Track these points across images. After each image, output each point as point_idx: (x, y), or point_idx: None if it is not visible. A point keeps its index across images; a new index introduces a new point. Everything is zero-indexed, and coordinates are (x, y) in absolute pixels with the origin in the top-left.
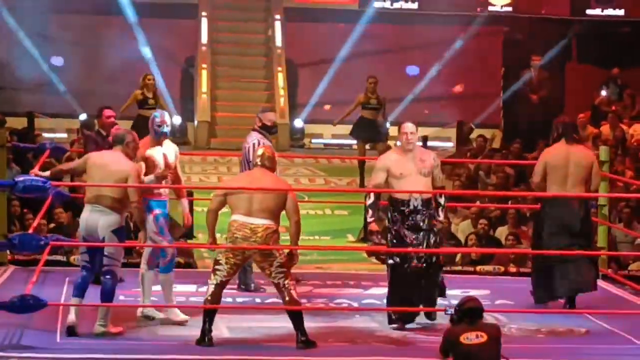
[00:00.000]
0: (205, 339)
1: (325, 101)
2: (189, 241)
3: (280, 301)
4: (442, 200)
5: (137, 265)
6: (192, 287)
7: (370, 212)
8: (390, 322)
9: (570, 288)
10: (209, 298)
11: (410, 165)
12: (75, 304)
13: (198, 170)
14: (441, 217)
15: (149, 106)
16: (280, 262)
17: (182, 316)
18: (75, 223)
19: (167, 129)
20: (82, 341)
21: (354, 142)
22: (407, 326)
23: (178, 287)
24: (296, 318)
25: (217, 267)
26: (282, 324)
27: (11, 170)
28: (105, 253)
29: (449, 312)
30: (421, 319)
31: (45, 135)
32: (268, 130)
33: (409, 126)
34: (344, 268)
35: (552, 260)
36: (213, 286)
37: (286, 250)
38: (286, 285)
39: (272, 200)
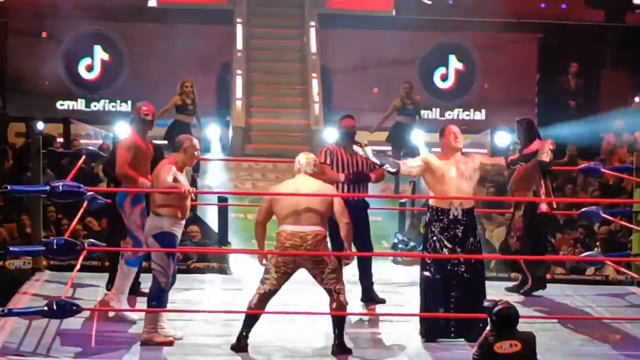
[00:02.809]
0: (240, 344)
1: (359, 108)
2: (223, 247)
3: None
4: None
5: (188, 271)
6: (227, 293)
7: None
8: (422, 335)
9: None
10: (253, 306)
11: (453, 169)
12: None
13: (232, 176)
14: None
15: (188, 112)
16: (332, 267)
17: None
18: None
19: (151, 119)
20: (116, 347)
21: (388, 148)
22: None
23: (213, 293)
24: (340, 322)
25: (266, 275)
26: (318, 329)
27: (46, 176)
28: (152, 258)
29: (486, 304)
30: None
31: (82, 141)
32: (345, 136)
33: (455, 128)
34: (379, 274)
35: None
36: (258, 295)
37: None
38: (337, 290)
39: (318, 205)
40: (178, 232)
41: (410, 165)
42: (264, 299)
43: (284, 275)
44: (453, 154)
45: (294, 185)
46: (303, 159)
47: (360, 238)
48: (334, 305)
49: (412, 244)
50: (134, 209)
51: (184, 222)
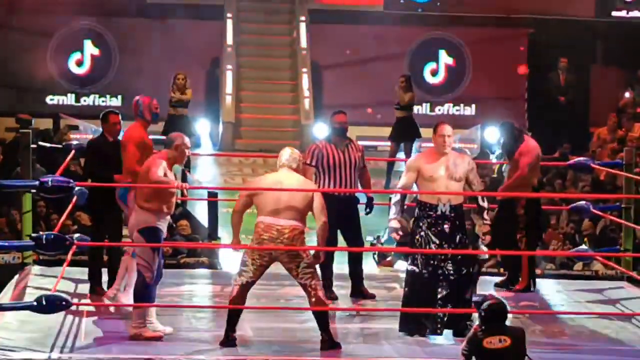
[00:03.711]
0: (228, 339)
1: (349, 103)
2: (213, 242)
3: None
4: (485, 204)
5: (178, 266)
6: (216, 288)
7: (393, 209)
8: (402, 330)
9: None
10: (233, 299)
11: (442, 169)
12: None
13: (223, 171)
14: (487, 220)
15: (173, 104)
16: (307, 262)
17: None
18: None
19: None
20: (105, 342)
21: (378, 143)
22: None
23: (203, 288)
24: (322, 318)
25: (242, 268)
26: (307, 324)
27: (35, 171)
28: (137, 253)
29: (475, 299)
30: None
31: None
32: (336, 132)
33: (447, 128)
34: (367, 269)
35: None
36: (238, 287)
37: (311, 250)
38: (313, 286)
39: (298, 201)
40: (163, 226)
41: (403, 183)
42: (242, 291)
43: (260, 268)
44: (443, 154)
45: (277, 179)
46: (287, 153)
47: (351, 233)
48: (313, 301)
49: (383, 240)
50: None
51: (169, 217)
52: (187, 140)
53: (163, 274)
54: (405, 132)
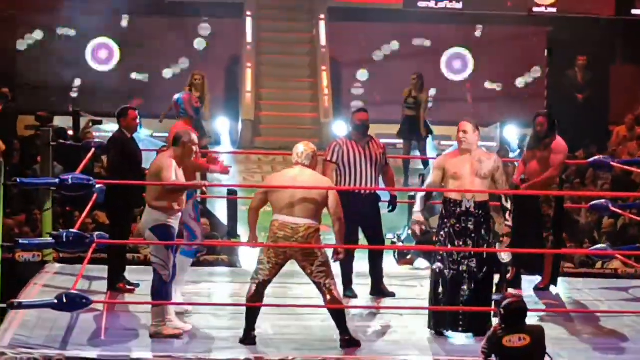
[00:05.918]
0: (247, 337)
1: (368, 100)
2: (232, 239)
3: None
4: (508, 205)
5: (198, 264)
6: (236, 286)
7: (418, 202)
8: (430, 328)
9: None
10: (250, 298)
11: (466, 167)
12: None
13: (242, 169)
14: (509, 222)
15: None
16: (322, 261)
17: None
18: None
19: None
20: (125, 339)
21: (398, 141)
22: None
23: (222, 286)
24: (338, 317)
25: (259, 266)
26: (327, 322)
27: (54, 169)
28: (151, 252)
29: (495, 297)
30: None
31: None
32: (358, 129)
33: (464, 124)
34: (387, 268)
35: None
36: (255, 285)
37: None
38: (327, 285)
39: (313, 198)
40: (175, 223)
41: (430, 180)
42: (259, 289)
43: (276, 266)
44: (467, 150)
45: (292, 176)
46: (300, 150)
47: (371, 231)
48: (328, 299)
49: (403, 238)
50: (188, 202)
51: (180, 214)
52: (194, 137)
53: None
54: (413, 130)
